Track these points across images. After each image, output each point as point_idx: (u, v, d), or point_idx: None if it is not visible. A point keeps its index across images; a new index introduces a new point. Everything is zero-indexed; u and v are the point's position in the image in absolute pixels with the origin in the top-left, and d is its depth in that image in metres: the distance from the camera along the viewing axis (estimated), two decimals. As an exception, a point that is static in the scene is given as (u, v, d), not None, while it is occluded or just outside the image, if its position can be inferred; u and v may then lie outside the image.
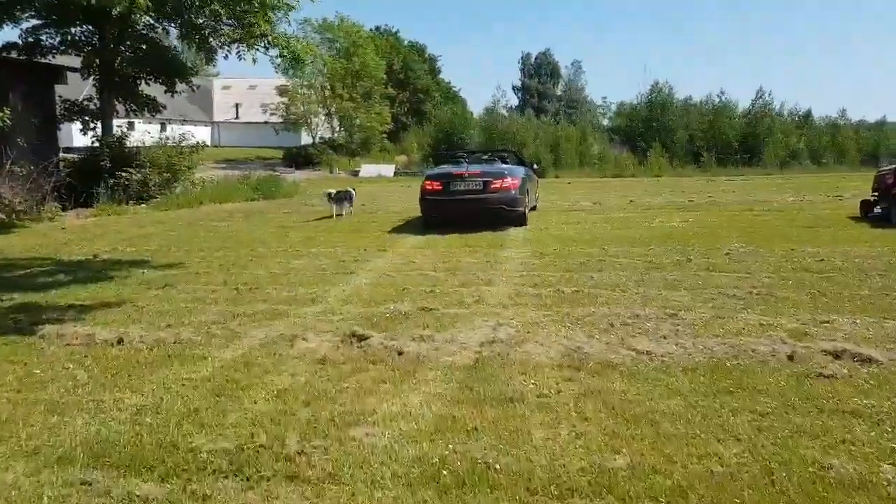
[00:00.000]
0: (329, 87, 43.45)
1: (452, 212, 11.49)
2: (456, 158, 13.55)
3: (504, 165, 12.67)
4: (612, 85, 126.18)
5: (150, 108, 20.66)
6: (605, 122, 56.69)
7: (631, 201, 16.28)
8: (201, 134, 42.83)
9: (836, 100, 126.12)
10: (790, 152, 40.49)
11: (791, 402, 3.53)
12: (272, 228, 12.57)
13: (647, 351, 4.43)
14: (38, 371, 4.61)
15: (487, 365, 4.35)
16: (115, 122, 20.27)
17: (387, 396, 3.87)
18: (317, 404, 3.81)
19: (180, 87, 20.62)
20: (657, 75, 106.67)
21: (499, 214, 11.39)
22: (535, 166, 14.79)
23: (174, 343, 5.16)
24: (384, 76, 46.52)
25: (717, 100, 43.49)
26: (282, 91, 43.30)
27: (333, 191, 14.78)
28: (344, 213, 14.87)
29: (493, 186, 11.28)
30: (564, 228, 11.45)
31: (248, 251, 9.75)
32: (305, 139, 46.25)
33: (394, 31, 59.48)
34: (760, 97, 44.14)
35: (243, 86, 57.35)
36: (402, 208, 16.24)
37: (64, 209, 15.52)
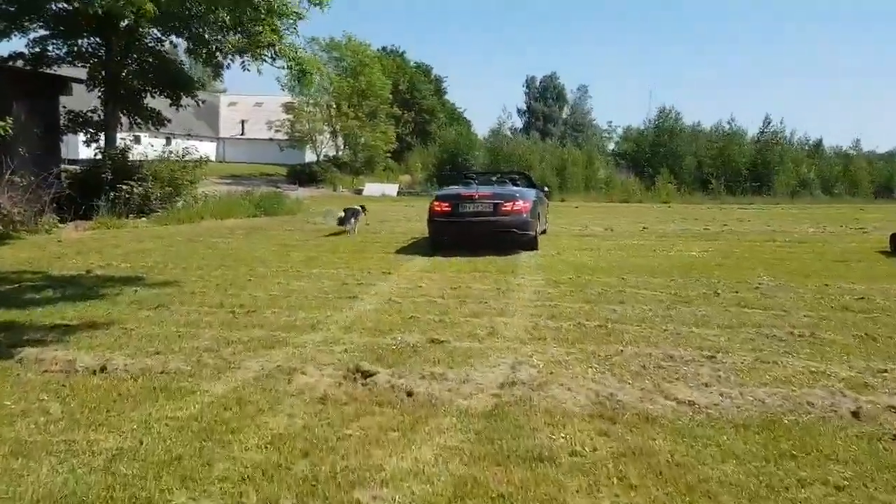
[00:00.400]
0: (335, 106, 43.33)
1: (461, 234, 11.07)
2: (465, 179, 13.14)
3: (515, 188, 12.26)
4: (617, 110, 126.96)
5: (154, 121, 20.38)
6: (611, 146, 56.65)
7: (644, 228, 15.85)
8: (207, 149, 42.80)
9: (846, 130, 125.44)
10: (800, 182, 40.11)
11: (868, 473, 3.04)
12: (273, 246, 12.14)
13: (689, 401, 3.95)
14: (9, 402, 4.15)
15: (509, 412, 3.87)
16: (120, 134, 19.98)
17: (396, 448, 3.39)
18: (316, 455, 3.33)
19: (186, 101, 20.37)
20: (663, 101, 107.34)
21: (509, 238, 10.98)
22: (545, 189, 14.37)
23: (161, 373, 4.69)
24: (390, 95, 46.45)
25: (727, 126, 43.27)
26: (287, 108, 43.23)
27: (340, 212, 14.57)
28: (348, 229, 14.56)
29: (503, 209, 10.86)
30: (578, 255, 11.00)
31: (247, 270, 9.30)
32: (309, 157, 46.07)
33: (400, 51, 59.65)
34: (769, 124, 44.00)
35: (250, 102, 57.41)
36: (406, 228, 15.84)
37: (62, 221, 15.10)
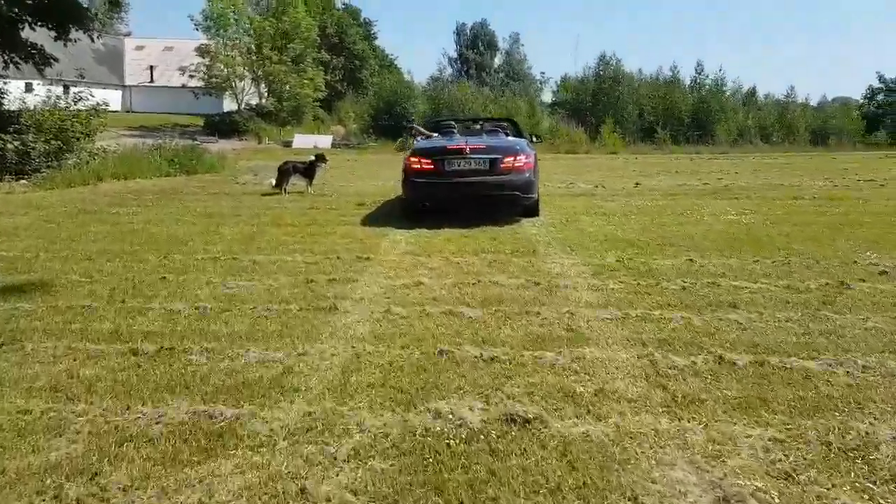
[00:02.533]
0: (255, 48, 38.93)
1: (449, 198, 8.56)
2: (444, 128, 10.41)
3: (511, 139, 9.75)
4: (544, 60, 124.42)
5: (37, 59, 16.53)
6: (546, 96, 54.42)
7: (637, 184, 13.67)
8: (111, 98, 37.79)
9: (774, 79, 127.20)
10: (738, 131, 39.28)
11: None
12: (195, 219, 9.24)
13: None
14: None
15: None
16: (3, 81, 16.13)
17: None
18: None
19: (77, 35, 16.58)
20: (590, 51, 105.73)
21: (509, 202, 8.54)
22: (534, 139, 11.84)
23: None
24: (317, 38, 42.36)
25: (670, 73, 41.84)
26: (202, 52, 38.54)
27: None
28: (308, 190, 12.25)
29: (503, 166, 8.36)
30: (594, 223, 8.64)
31: (159, 260, 6.49)
32: (229, 106, 41.66)
33: (327, -9, 54.79)
34: (701, 72, 42.76)
35: (159, 47, 51.73)
36: (359, 189, 13.14)
37: None
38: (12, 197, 11.56)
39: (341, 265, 6.25)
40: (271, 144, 34.80)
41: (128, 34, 58.28)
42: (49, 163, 14.24)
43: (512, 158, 8.39)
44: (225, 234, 7.97)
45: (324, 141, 34.96)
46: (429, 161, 8.48)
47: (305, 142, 34.25)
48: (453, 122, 10.70)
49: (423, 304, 4.90)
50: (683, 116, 37.51)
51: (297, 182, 12.44)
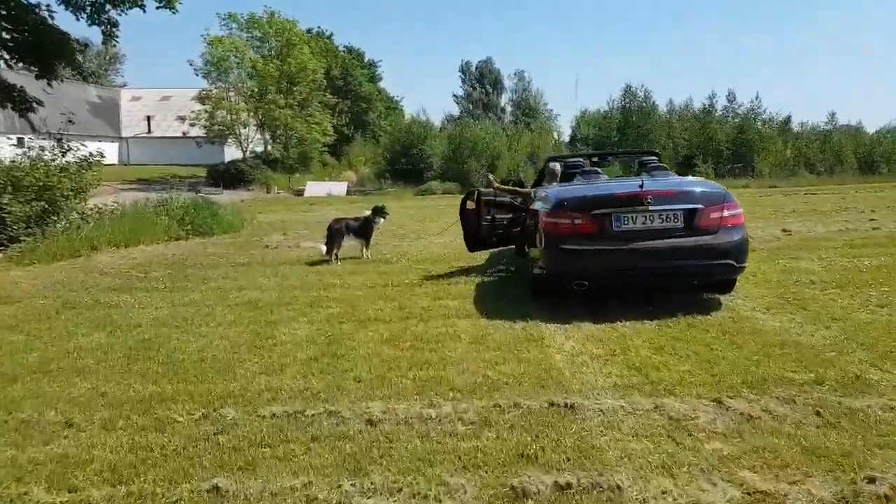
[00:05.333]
0: (259, 92, 36.47)
1: (622, 274, 5.69)
2: (569, 167, 7.50)
3: (697, 179, 6.96)
4: (546, 97, 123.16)
5: (17, 102, 13.82)
6: (555, 134, 52.07)
7: (786, 231, 10.75)
8: (108, 150, 35.07)
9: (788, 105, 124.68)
10: (778, 161, 36.83)
11: None
12: (231, 312, 6.33)
13: None
14: None
15: None
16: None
17: None
18: None
19: (65, 74, 13.94)
20: (590, 88, 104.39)
21: (708, 274, 5.70)
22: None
23: None
24: (323, 80, 40.12)
25: (706, 103, 39.46)
26: (203, 98, 36.12)
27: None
28: (364, 256, 9.63)
29: (704, 222, 5.53)
30: (833, 303, 5.77)
31: (196, 423, 3.59)
32: (231, 154, 39.13)
33: (328, 34, 53.03)
34: (733, 101, 40.54)
35: (155, 96, 49.47)
36: (424, 249, 10.28)
37: None
38: (-25, 280, 8.66)
39: (535, 422, 3.33)
40: (281, 194, 32.16)
41: (123, 85, 56.40)
42: (30, 229, 11.37)
43: (719, 210, 5.55)
44: (287, 346, 5.06)
45: (338, 188, 32.36)
46: (586, 218, 5.61)
47: (318, 190, 31.66)
48: (581, 161, 7.82)
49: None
50: (723, 148, 34.91)
51: (349, 243, 9.63)
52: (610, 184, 6.59)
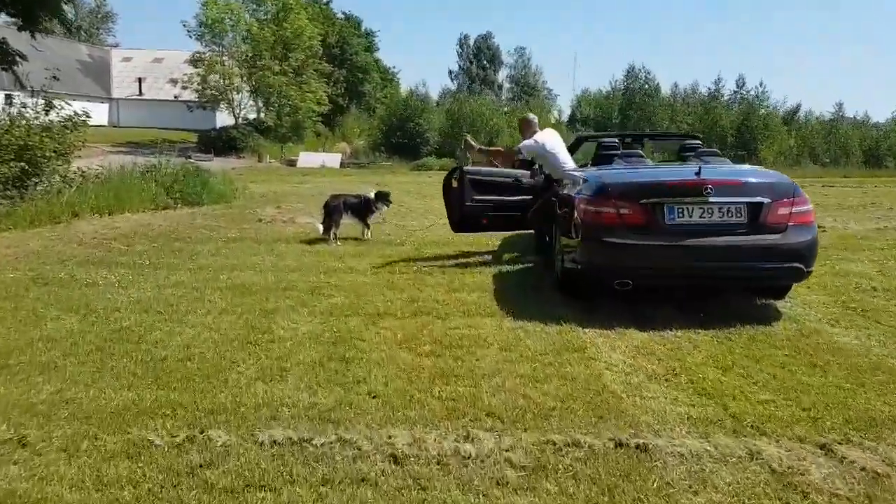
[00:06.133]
0: (252, 57, 35.21)
1: (674, 274, 5.04)
2: (604, 149, 6.73)
3: (760, 169, 6.29)
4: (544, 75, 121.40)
5: (-1, 58, 12.84)
6: (555, 113, 51.06)
7: (819, 226, 10.13)
8: (98, 111, 33.83)
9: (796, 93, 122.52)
10: (781, 150, 36.23)
11: None
12: (221, 298, 5.62)
13: None
14: None
15: None
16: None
17: None
18: None
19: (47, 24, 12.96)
20: (588, 68, 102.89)
21: (774, 278, 5.06)
22: None
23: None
24: (320, 48, 38.83)
25: (711, 88, 38.72)
26: (196, 61, 34.85)
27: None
28: (365, 236, 8.87)
29: (772, 218, 4.86)
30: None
31: (176, 454, 2.91)
32: (222, 120, 37.94)
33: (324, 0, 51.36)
34: (742, 86, 39.85)
35: (147, 58, 47.92)
36: (431, 232, 9.57)
37: None
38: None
39: (604, 470, 2.68)
40: (273, 163, 31.19)
41: (115, 45, 54.57)
42: (7, 191, 10.54)
43: (788, 205, 4.88)
44: (287, 343, 4.38)
45: (332, 159, 31.47)
46: (633, 207, 4.92)
47: (312, 160, 30.75)
48: (616, 142, 7.07)
49: None
50: (727, 135, 34.22)
51: (347, 221, 8.87)
52: (658, 169, 5.90)
